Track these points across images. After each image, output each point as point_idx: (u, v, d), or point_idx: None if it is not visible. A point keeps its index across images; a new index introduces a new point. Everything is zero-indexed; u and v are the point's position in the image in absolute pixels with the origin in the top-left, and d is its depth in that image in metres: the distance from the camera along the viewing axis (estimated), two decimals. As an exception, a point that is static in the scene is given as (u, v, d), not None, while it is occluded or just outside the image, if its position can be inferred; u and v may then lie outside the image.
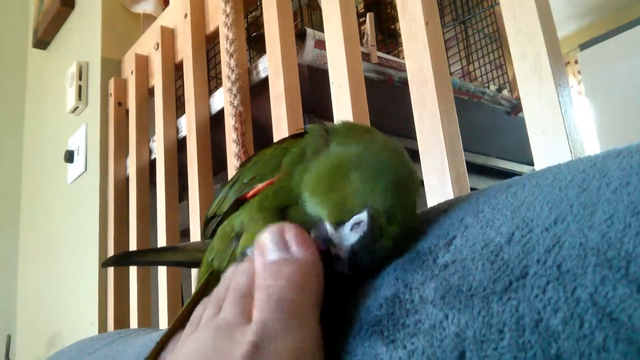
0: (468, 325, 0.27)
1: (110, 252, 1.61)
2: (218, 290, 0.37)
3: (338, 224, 0.35)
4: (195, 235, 1.25)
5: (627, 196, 0.25)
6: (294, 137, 0.45)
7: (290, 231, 0.35)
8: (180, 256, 0.54)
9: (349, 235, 0.34)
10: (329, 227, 0.35)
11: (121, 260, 0.56)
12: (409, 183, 0.35)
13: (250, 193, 0.42)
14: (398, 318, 0.31)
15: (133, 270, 1.49)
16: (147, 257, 0.59)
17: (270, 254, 0.34)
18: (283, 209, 0.39)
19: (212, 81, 1.70)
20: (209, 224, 0.51)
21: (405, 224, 0.34)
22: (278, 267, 0.33)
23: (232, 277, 0.36)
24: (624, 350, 0.21)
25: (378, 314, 0.32)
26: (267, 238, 0.35)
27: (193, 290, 0.48)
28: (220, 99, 1.30)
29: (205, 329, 0.33)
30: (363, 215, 0.34)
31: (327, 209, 0.35)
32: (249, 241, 0.40)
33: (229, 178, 0.52)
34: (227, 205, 0.45)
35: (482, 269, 0.28)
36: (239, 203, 0.44)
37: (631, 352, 0.21)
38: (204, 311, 0.36)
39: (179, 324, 0.41)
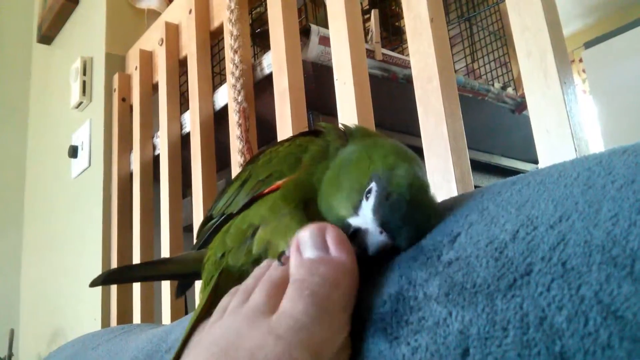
0: (472, 322, 0.27)
1: (114, 248, 1.61)
2: (247, 282, 0.37)
3: (355, 207, 0.36)
4: (198, 231, 1.25)
5: (632, 194, 0.25)
6: (305, 134, 0.45)
7: (331, 232, 0.35)
8: (174, 268, 0.53)
9: (366, 205, 0.35)
10: (351, 217, 0.36)
11: (111, 277, 0.52)
12: (417, 162, 0.37)
13: (269, 189, 0.42)
14: (402, 315, 0.31)
15: (136, 265, 1.49)
16: (139, 272, 0.57)
17: (307, 252, 0.34)
18: (306, 203, 0.40)
19: (216, 77, 1.69)
20: (206, 227, 0.51)
21: (415, 183, 0.35)
22: (314, 264, 0.33)
23: (265, 271, 0.37)
24: (628, 348, 0.21)
25: (382, 311, 0.32)
26: (306, 236, 0.35)
27: (197, 292, 0.48)
28: (224, 95, 1.30)
29: (231, 316, 0.34)
30: (371, 183, 0.35)
31: (345, 198, 0.37)
32: (274, 234, 0.40)
33: (233, 174, 0.52)
34: (239, 204, 0.45)
35: (486, 266, 0.28)
36: (252, 201, 0.44)
37: (636, 350, 0.21)
38: (230, 300, 0.37)
39: (204, 313, 0.41)
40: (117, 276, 0.56)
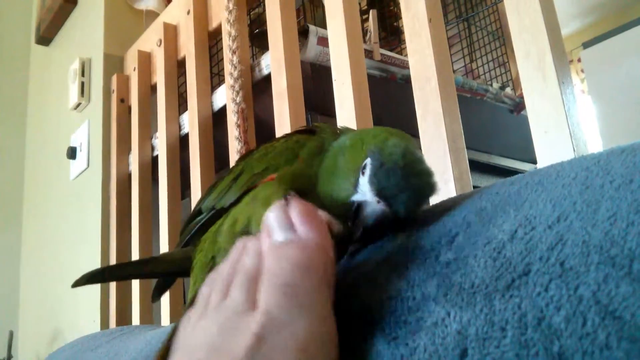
0: (470, 322, 0.27)
1: (112, 249, 1.61)
2: (224, 269, 0.36)
3: (354, 185, 0.37)
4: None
5: (630, 194, 0.25)
6: (301, 132, 0.47)
7: (295, 208, 0.34)
8: (159, 267, 0.52)
9: (363, 180, 0.37)
10: (353, 196, 0.37)
11: (95, 277, 0.51)
12: (409, 139, 0.39)
13: (264, 181, 0.43)
14: (400, 315, 0.30)
15: (135, 266, 1.49)
16: (123, 271, 0.57)
17: (275, 234, 0.33)
18: (300, 194, 0.40)
19: (214, 78, 1.69)
20: (192, 222, 0.50)
21: (408, 152, 0.37)
22: (283, 250, 0.32)
23: (239, 257, 0.35)
24: (626, 348, 0.21)
25: (380, 311, 0.32)
26: (272, 216, 0.34)
27: (189, 294, 0.47)
28: (223, 96, 1.30)
29: (213, 316, 0.33)
30: (366, 159, 0.37)
31: (344, 179, 0.38)
32: (255, 208, 0.41)
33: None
34: (231, 197, 0.45)
35: (484, 266, 0.28)
36: (245, 195, 0.44)
37: (634, 350, 0.21)
38: (211, 291, 0.36)
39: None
40: (100, 276, 0.55)
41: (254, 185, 0.43)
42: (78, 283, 0.48)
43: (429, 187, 0.37)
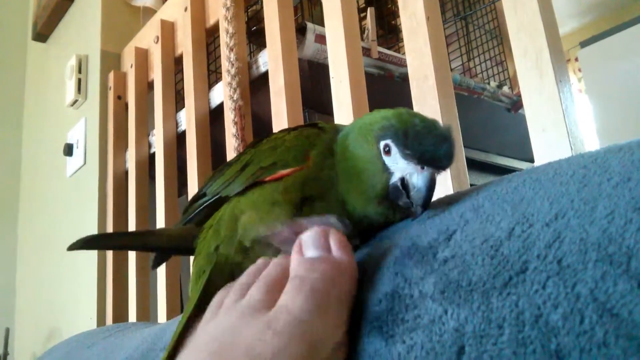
0: (467, 320, 0.27)
1: (109, 246, 1.60)
2: (242, 279, 0.37)
3: (384, 168, 0.37)
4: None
5: (628, 191, 0.25)
6: (309, 127, 0.46)
7: (334, 234, 0.35)
8: (156, 240, 0.52)
9: (391, 159, 0.37)
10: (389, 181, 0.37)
11: (90, 243, 0.51)
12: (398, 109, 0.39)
13: (271, 177, 0.42)
14: (397, 313, 0.30)
15: (132, 263, 1.49)
16: (120, 240, 0.56)
17: (309, 251, 0.35)
18: (305, 199, 0.40)
19: (211, 75, 1.69)
20: (196, 203, 0.50)
21: (419, 114, 0.37)
22: (315, 262, 0.33)
23: (263, 267, 0.37)
24: (624, 346, 0.21)
25: (377, 309, 0.32)
26: (309, 237, 0.35)
27: (190, 286, 0.47)
28: (220, 93, 1.30)
29: (227, 314, 0.33)
30: (382, 141, 0.37)
31: (370, 171, 0.38)
32: (258, 219, 0.41)
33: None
34: (236, 188, 0.45)
35: (482, 264, 0.28)
36: (253, 186, 0.44)
37: (631, 347, 0.21)
38: (224, 297, 0.36)
39: (196, 310, 0.41)
40: (96, 242, 0.55)
41: (262, 179, 0.43)
42: (73, 247, 0.48)
43: (451, 136, 0.37)
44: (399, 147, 0.36)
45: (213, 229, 0.45)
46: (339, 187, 0.40)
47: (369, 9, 1.45)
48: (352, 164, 0.39)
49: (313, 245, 0.35)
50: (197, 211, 0.50)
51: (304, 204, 0.40)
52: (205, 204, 0.49)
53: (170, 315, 1.32)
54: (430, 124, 0.37)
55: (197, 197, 0.51)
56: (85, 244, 0.50)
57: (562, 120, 0.67)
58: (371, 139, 0.38)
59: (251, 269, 0.38)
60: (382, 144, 0.37)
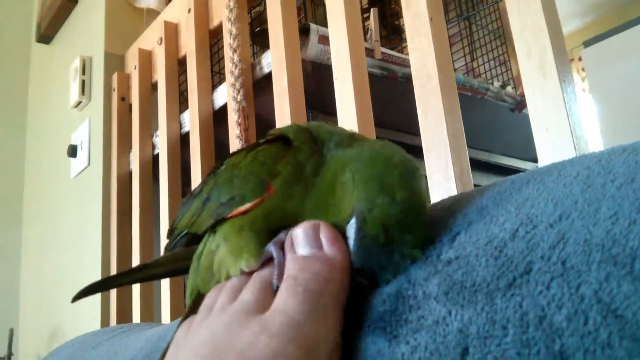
0: (471, 321, 0.26)
1: (113, 247, 1.61)
2: (233, 280, 0.36)
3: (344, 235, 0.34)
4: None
5: (632, 193, 0.25)
6: (270, 142, 0.41)
7: (325, 230, 0.34)
8: (153, 272, 0.50)
9: (349, 232, 0.33)
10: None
11: (93, 289, 0.49)
12: (409, 178, 0.33)
13: (231, 214, 0.39)
14: (401, 314, 0.30)
15: (135, 264, 1.50)
16: (119, 281, 0.56)
17: (300, 249, 0.34)
18: (275, 231, 0.37)
19: (215, 76, 1.69)
20: (174, 236, 0.48)
21: (404, 220, 0.31)
22: (307, 261, 0.33)
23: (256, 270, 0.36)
24: (628, 347, 0.21)
25: (381, 309, 0.32)
26: (300, 233, 0.34)
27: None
28: (224, 94, 1.30)
29: (219, 315, 0.33)
30: (352, 221, 0.33)
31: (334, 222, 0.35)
32: (228, 255, 0.38)
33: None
34: (204, 224, 0.42)
35: (485, 265, 0.28)
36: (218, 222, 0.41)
37: (636, 349, 0.21)
38: (215, 298, 0.36)
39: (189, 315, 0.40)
40: (100, 286, 0.54)
41: (224, 216, 0.40)
42: (77, 297, 0.48)
43: (412, 256, 0.32)
44: (354, 243, 0.33)
45: (193, 267, 0.43)
46: (304, 215, 0.36)
47: (372, 9, 1.45)
48: (326, 200, 0.36)
49: (304, 242, 0.34)
50: (174, 243, 0.48)
51: (274, 234, 0.37)
52: (178, 239, 0.47)
53: (174, 315, 1.32)
54: (393, 240, 0.31)
55: (171, 230, 0.48)
56: (88, 290, 0.48)
57: (565, 120, 0.67)
58: (350, 201, 0.33)
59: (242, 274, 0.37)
60: (351, 219, 0.33)
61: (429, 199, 0.36)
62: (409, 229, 0.32)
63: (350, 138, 0.40)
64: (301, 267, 0.33)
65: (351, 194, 0.33)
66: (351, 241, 0.33)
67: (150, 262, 0.50)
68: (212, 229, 0.41)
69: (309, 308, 0.30)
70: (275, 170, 0.38)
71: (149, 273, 0.50)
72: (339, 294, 0.32)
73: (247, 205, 0.38)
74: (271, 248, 0.36)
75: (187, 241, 0.46)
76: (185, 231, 0.45)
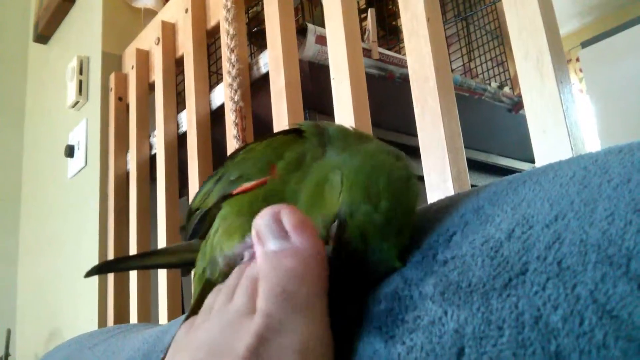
0: (467, 321, 0.26)
1: (110, 247, 1.61)
2: (230, 280, 0.36)
3: (326, 227, 0.34)
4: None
5: (628, 193, 0.25)
6: (285, 133, 0.43)
7: (286, 215, 0.33)
8: (167, 259, 0.52)
9: (332, 230, 0.33)
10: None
11: (105, 268, 0.52)
12: (396, 187, 0.33)
13: (236, 191, 0.40)
14: (397, 314, 0.30)
15: (133, 265, 1.49)
16: (133, 262, 0.56)
17: (268, 243, 0.33)
18: None
19: (212, 76, 1.69)
20: (192, 217, 0.49)
21: (384, 229, 0.31)
22: (278, 259, 0.32)
23: (247, 265, 0.36)
24: (624, 347, 0.21)
25: (377, 309, 0.32)
26: (263, 224, 0.33)
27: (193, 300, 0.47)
28: (221, 95, 1.30)
29: (216, 319, 0.33)
30: (334, 225, 0.33)
31: (317, 221, 0.34)
32: (222, 236, 0.39)
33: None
34: (212, 201, 0.44)
35: (481, 265, 0.28)
36: (224, 199, 0.42)
37: (631, 349, 0.21)
38: (216, 298, 0.36)
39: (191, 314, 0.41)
40: (112, 266, 0.55)
41: (230, 193, 0.41)
42: (90, 273, 0.49)
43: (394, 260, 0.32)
44: (334, 244, 0.33)
45: (201, 251, 0.44)
46: (298, 199, 0.37)
47: (369, 9, 1.45)
48: (312, 196, 0.36)
49: (270, 234, 0.32)
50: (193, 227, 0.48)
51: None
52: (197, 220, 0.47)
53: (171, 316, 1.32)
54: (371, 250, 0.31)
55: (193, 211, 0.50)
56: (102, 267, 0.50)
57: (562, 121, 0.67)
58: (336, 199, 0.33)
59: (237, 269, 0.37)
60: (335, 219, 0.33)
61: (425, 201, 0.36)
62: (387, 238, 0.32)
63: (357, 138, 0.40)
64: (273, 266, 0.32)
65: (337, 196, 0.33)
66: (333, 233, 0.33)
67: (164, 249, 0.51)
68: (219, 205, 0.42)
69: (290, 309, 0.30)
70: (282, 155, 0.40)
71: (157, 260, 0.51)
72: (318, 287, 0.31)
73: (251, 183, 0.39)
74: (248, 240, 0.36)
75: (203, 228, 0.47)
76: (199, 213, 0.47)
